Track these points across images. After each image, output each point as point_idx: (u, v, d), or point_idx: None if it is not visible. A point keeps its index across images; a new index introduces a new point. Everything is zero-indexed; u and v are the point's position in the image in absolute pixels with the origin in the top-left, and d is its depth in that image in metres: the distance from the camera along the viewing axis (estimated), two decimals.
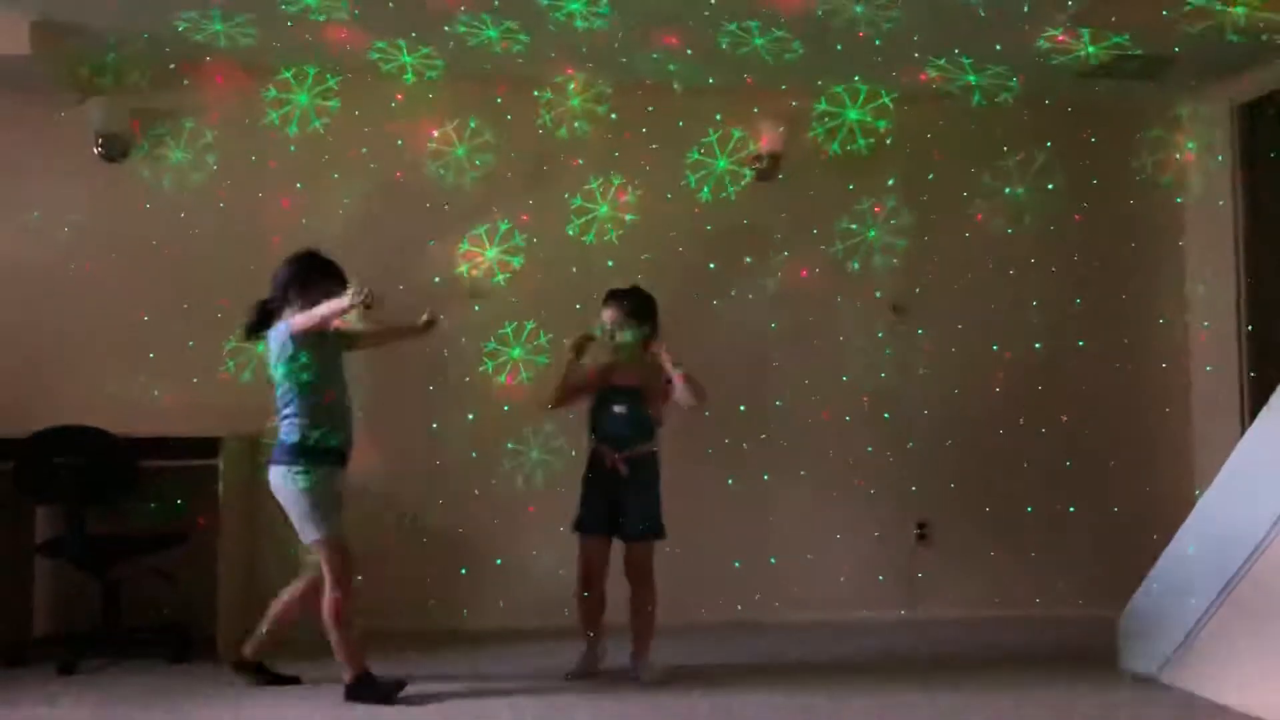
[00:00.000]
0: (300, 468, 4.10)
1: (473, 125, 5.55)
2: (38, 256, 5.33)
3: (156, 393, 5.27)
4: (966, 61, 5.35)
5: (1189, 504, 4.78)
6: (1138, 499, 5.82)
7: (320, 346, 4.19)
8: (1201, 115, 5.98)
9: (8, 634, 4.94)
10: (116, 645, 4.84)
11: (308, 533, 4.14)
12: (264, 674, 4.38)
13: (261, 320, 4.26)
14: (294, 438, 4.13)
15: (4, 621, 4.97)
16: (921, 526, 5.83)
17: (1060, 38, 5.08)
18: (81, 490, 4.67)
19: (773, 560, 5.67)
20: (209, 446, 4.82)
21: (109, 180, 5.38)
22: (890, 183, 5.86)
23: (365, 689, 4.15)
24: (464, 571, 5.45)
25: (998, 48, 5.19)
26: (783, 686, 4.39)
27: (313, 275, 4.23)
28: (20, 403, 5.12)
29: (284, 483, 4.13)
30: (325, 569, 4.14)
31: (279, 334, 4.18)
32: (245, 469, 5.17)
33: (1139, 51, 5.25)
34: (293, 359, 4.12)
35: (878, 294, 5.85)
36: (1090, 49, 5.22)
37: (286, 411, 4.16)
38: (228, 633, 4.81)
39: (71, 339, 5.32)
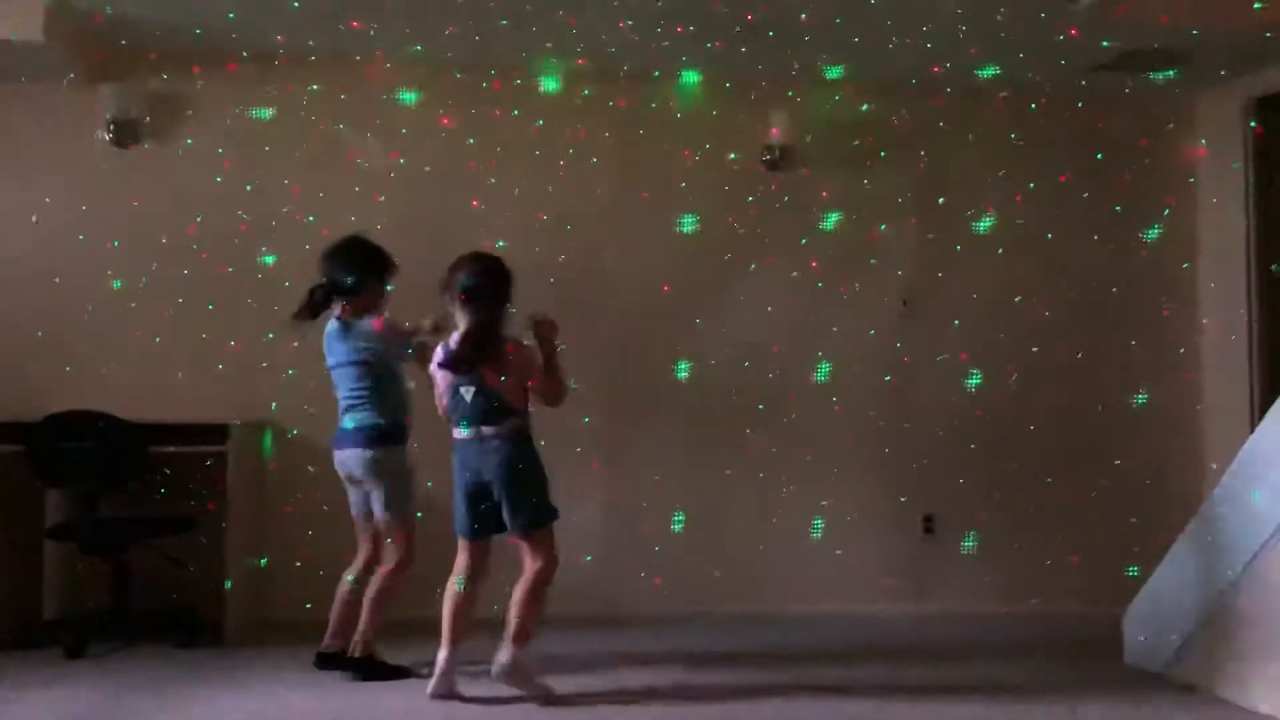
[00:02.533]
0: (396, 446, 4.28)
1: (483, 114, 5.58)
2: (50, 242, 5.35)
3: (181, 375, 5.33)
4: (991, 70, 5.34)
5: (1197, 499, 4.78)
6: (1145, 494, 5.82)
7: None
8: (1215, 110, 5.95)
9: (17, 617, 4.97)
10: (125, 629, 4.86)
11: (392, 510, 4.29)
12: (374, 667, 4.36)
13: (319, 304, 4.35)
14: (384, 420, 4.28)
15: (13, 605, 5.00)
16: (928, 520, 5.83)
17: (1074, 31, 5.06)
18: (92, 475, 4.69)
19: (787, 556, 5.69)
20: (218, 433, 4.85)
21: (121, 166, 5.39)
22: (903, 175, 5.86)
23: (372, 669, 4.27)
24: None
25: (1005, 37, 5.18)
26: (791, 677, 4.39)
27: (375, 266, 4.39)
28: (31, 387, 5.16)
29: (376, 462, 4.26)
30: (396, 546, 4.30)
31: (362, 325, 4.30)
32: (254, 455, 5.21)
33: (1151, 46, 5.23)
34: (386, 350, 4.28)
35: (888, 289, 5.84)
36: (1103, 43, 5.21)
37: (365, 396, 4.29)
38: (236, 617, 4.85)
39: (82, 324, 5.34)
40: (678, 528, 5.63)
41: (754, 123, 5.70)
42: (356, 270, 4.34)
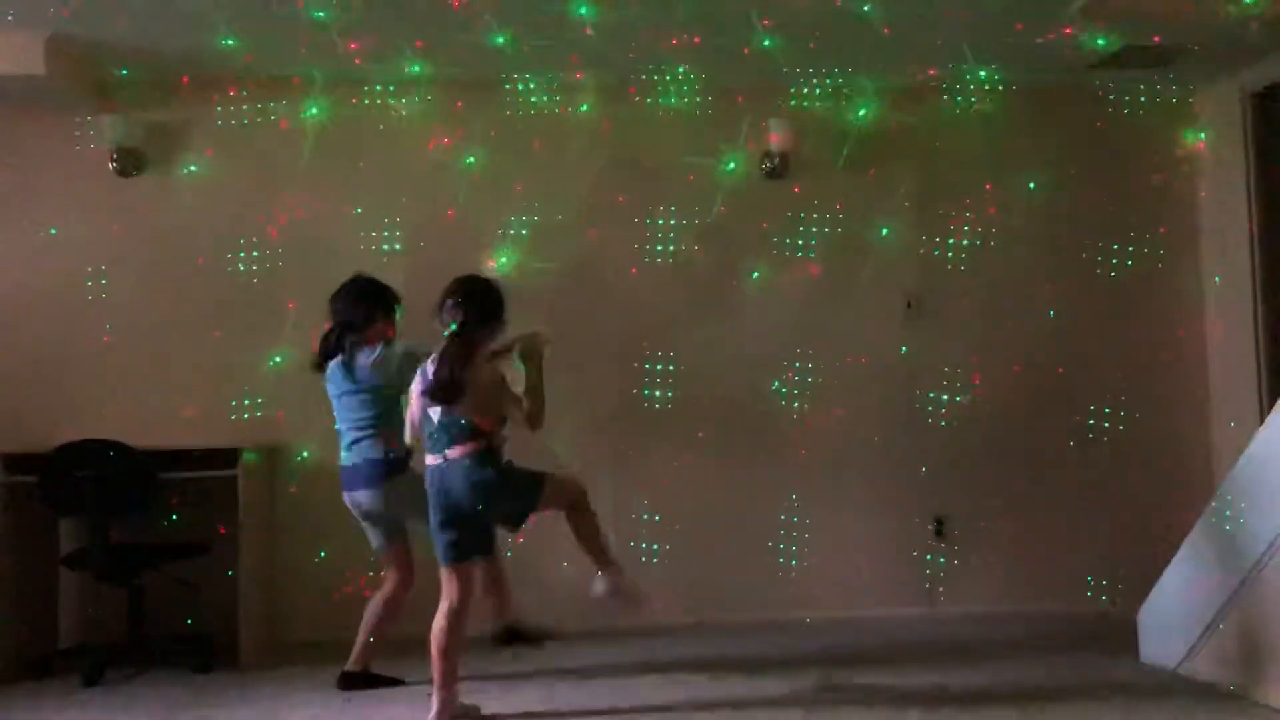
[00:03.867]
0: (401, 475, 4.35)
1: (475, 128, 5.61)
2: (56, 272, 5.39)
3: (190, 400, 5.36)
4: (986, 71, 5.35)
5: (1207, 497, 4.76)
6: (1155, 492, 5.80)
7: None
8: (1214, 104, 5.95)
9: (34, 646, 5.00)
10: (141, 656, 4.88)
11: (390, 539, 4.45)
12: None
13: (334, 348, 4.46)
14: (391, 452, 4.35)
15: (30, 633, 5.03)
16: (939, 522, 5.82)
17: (1070, 29, 5.07)
18: (103, 502, 4.72)
19: (792, 561, 5.69)
20: (229, 458, 4.88)
21: (125, 195, 5.43)
22: (904, 177, 5.87)
23: (364, 680, 4.43)
24: None
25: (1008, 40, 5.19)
26: (805, 684, 4.39)
27: (381, 304, 4.50)
28: (42, 418, 5.20)
29: (387, 494, 4.34)
30: (395, 570, 4.46)
31: (384, 357, 4.37)
32: (264, 479, 5.23)
33: (1150, 42, 5.23)
34: (402, 384, 4.27)
35: (892, 291, 5.84)
36: (1100, 40, 5.22)
37: (371, 425, 4.37)
38: (250, 641, 4.87)
39: (91, 354, 5.38)
40: (683, 534, 5.64)
41: (754, 130, 5.72)
42: (363, 308, 4.45)
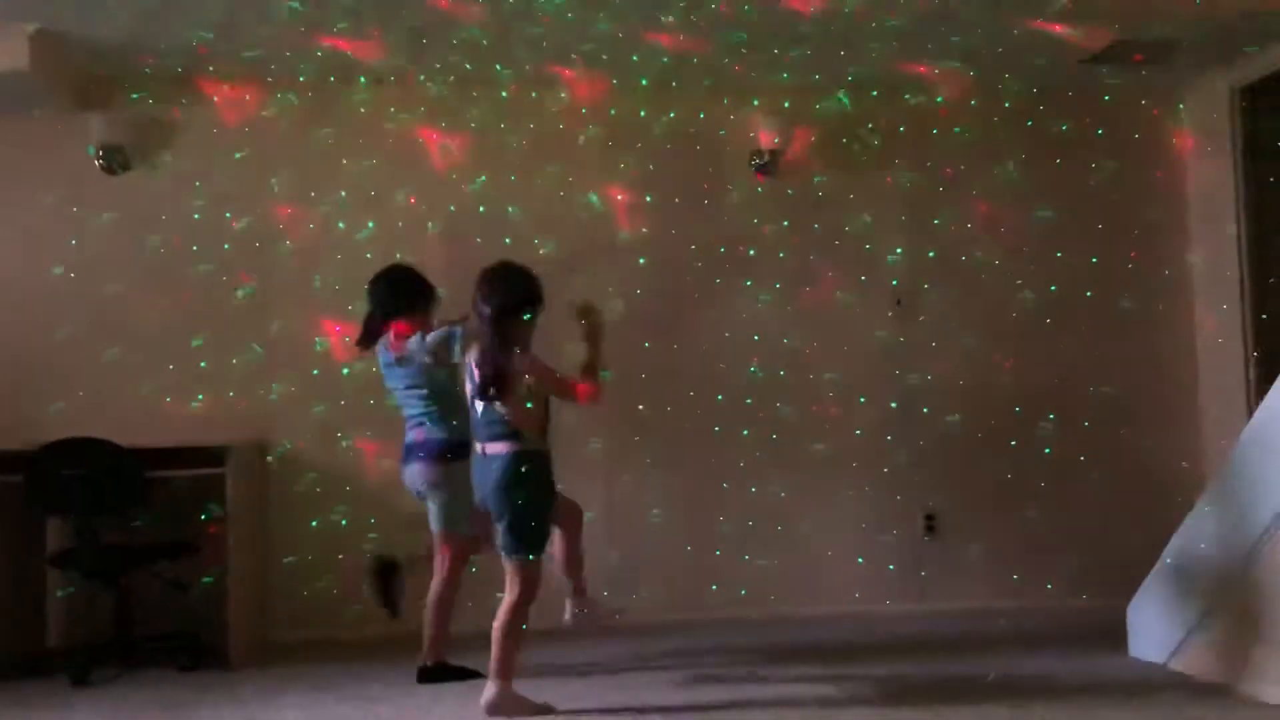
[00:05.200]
0: (458, 463, 4.34)
1: (473, 126, 5.59)
2: (41, 270, 5.36)
3: (177, 398, 5.35)
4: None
5: (1196, 490, 4.78)
6: (1144, 487, 5.81)
7: None
8: (1201, 100, 5.96)
9: (22, 646, 4.98)
10: (129, 654, 4.86)
11: (445, 525, 4.43)
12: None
13: (376, 330, 4.56)
14: (450, 435, 4.40)
15: (18, 633, 5.01)
16: (930, 519, 5.83)
17: (1057, 26, 5.07)
18: (91, 501, 4.69)
19: (789, 557, 5.69)
20: (216, 455, 4.86)
21: (111, 192, 5.40)
22: (894, 175, 5.87)
23: (442, 673, 4.44)
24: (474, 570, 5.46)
25: (985, 36, 5.19)
26: (794, 679, 4.39)
27: (420, 295, 4.58)
28: (29, 416, 5.17)
29: (438, 475, 4.40)
30: (443, 559, 4.44)
31: (437, 341, 4.40)
32: (253, 477, 5.21)
33: (1136, 38, 5.24)
34: (453, 366, 4.37)
35: (882, 289, 5.84)
36: (1088, 37, 5.22)
37: (433, 414, 4.44)
38: (239, 640, 4.85)
39: (77, 352, 5.35)
40: (673, 529, 5.64)
41: (744, 128, 5.71)
42: (403, 298, 4.54)
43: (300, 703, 4.27)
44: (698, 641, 5.09)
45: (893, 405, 5.81)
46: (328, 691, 4.39)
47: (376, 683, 4.49)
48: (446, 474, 4.39)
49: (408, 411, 4.53)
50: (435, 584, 4.46)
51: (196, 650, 4.86)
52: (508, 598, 3.93)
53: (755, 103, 5.76)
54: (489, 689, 3.91)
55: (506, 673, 3.92)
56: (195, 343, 5.39)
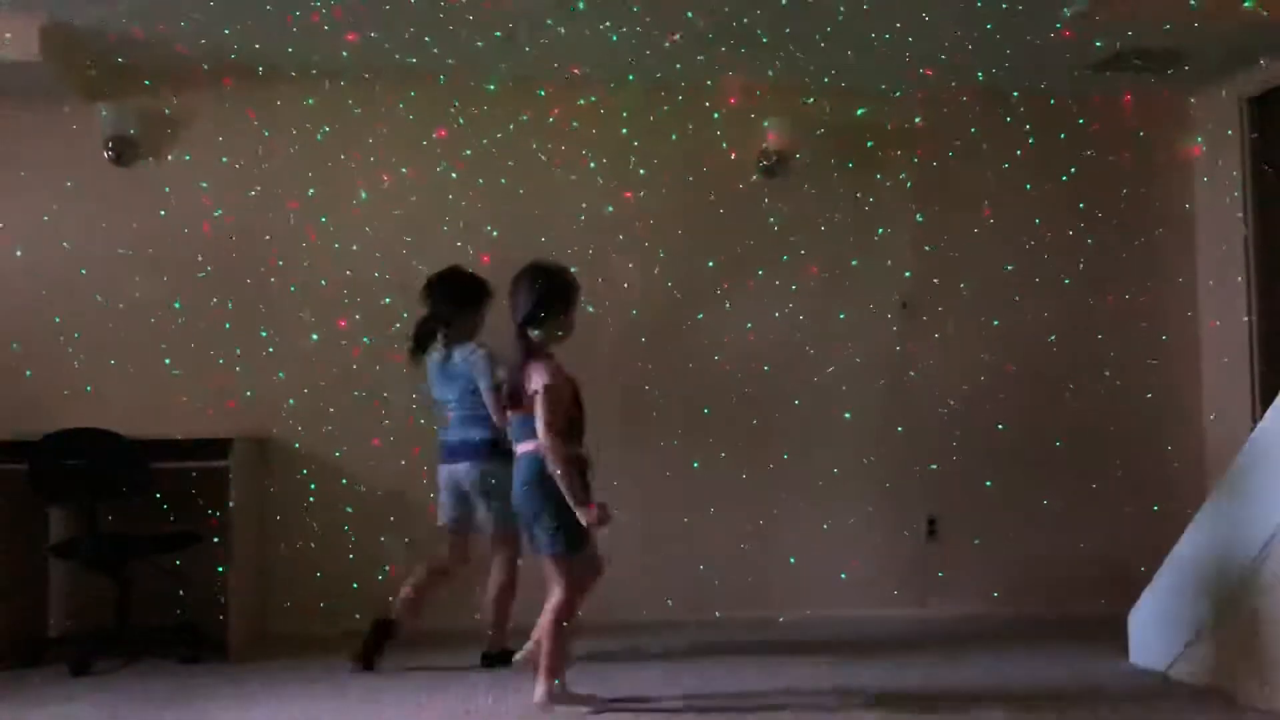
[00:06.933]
0: (504, 465, 4.29)
1: (484, 126, 5.60)
2: (49, 260, 5.37)
3: (183, 390, 5.34)
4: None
5: (1200, 497, 4.77)
6: (1147, 492, 5.80)
7: None
8: (1210, 108, 5.95)
9: (23, 635, 4.99)
10: (130, 645, 4.86)
11: (500, 526, 4.51)
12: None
13: (427, 337, 4.63)
14: (497, 436, 4.45)
15: (19, 622, 5.01)
16: (932, 523, 5.82)
17: (1068, 33, 5.07)
18: (93, 491, 4.70)
19: (791, 560, 5.69)
20: (220, 448, 4.86)
21: (119, 183, 5.41)
22: (900, 178, 5.87)
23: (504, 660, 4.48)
24: None
25: (1001, 41, 5.19)
26: (796, 677, 4.39)
27: (475, 300, 4.63)
28: (32, 405, 5.17)
29: (485, 475, 4.49)
30: (500, 560, 4.56)
31: (475, 361, 4.50)
32: (255, 470, 5.22)
33: (1147, 45, 5.24)
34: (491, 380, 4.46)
35: (887, 291, 5.85)
36: (1097, 44, 5.22)
37: (481, 415, 4.51)
38: (239, 632, 4.85)
39: (83, 342, 5.36)
40: (678, 532, 5.64)
41: (752, 130, 5.72)
42: (458, 306, 4.59)
43: (300, 694, 4.26)
44: (698, 642, 5.08)
45: (896, 407, 5.81)
46: (327, 683, 4.39)
47: (376, 675, 4.49)
48: (497, 475, 4.41)
49: (452, 405, 4.59)
50: (496, 581, 4.57)
51: (197, 641, 4.86)
52: (552, 597, 3.92)
53: (763, 107, 5.75)
54: (539, 687, 3.90)
55: (555, 670, 3.90)
56: (202, 334, 5.39)
